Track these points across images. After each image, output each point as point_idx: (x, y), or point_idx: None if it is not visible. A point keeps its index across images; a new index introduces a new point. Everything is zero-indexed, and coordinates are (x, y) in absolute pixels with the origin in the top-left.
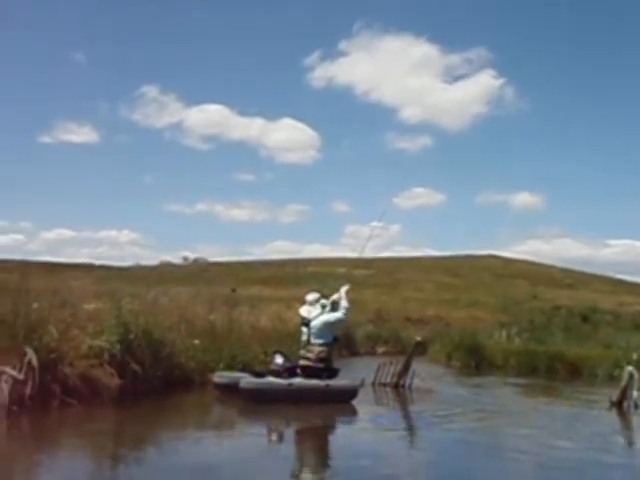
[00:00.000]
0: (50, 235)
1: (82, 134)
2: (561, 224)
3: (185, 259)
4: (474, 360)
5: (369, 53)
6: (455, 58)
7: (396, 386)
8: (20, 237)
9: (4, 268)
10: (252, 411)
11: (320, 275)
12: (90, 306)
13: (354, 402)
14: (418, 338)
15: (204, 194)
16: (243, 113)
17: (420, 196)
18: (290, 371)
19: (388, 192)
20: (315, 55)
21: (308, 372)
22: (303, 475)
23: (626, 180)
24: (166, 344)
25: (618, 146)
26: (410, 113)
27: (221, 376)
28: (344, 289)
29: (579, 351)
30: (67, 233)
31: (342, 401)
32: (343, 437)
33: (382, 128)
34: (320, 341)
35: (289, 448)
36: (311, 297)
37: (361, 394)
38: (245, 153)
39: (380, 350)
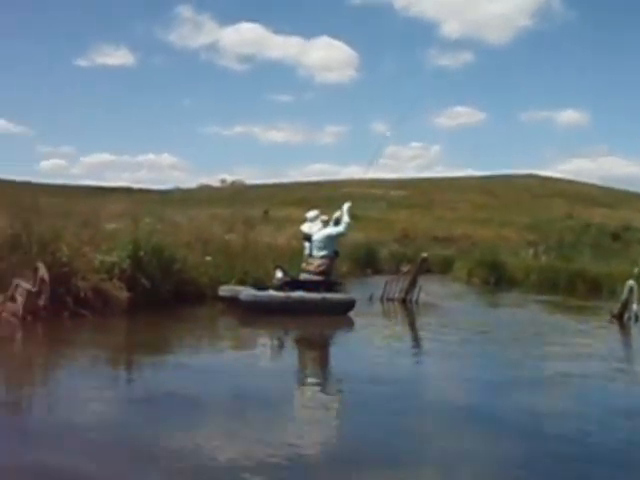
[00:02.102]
0: (91, 159)
1: (118, 57)
2: (607, 142)
3: (223, 182)
4: (494, 277)
5: None
6: None
7: (403, 301)
8: (62, 162)
9: (48, 191)
10: (251, 322)
11: (355, 196)
12: (111, 226)
13: (354, 314)
14: (424, 254)
15: (241, 116)
16: (279, 32)
17: (461, 115)
18: (292, 285)
19: (428, 111)
20: None
21: (308, 286)
22: (307, 378)
23: None
24: (177, 261)
25: None
26: (451, 28)
27: (225, 290)
28: (346, 205)
29: (601, 268)
30: (107, 157)
31: (338, 313)
32: (338, 345)
33: (422, 45)
34: (322, 253)
35: (291, 354)
36: (311, 214)
37: (369, 308)
38: (282, 73)
39: (404, 269)
